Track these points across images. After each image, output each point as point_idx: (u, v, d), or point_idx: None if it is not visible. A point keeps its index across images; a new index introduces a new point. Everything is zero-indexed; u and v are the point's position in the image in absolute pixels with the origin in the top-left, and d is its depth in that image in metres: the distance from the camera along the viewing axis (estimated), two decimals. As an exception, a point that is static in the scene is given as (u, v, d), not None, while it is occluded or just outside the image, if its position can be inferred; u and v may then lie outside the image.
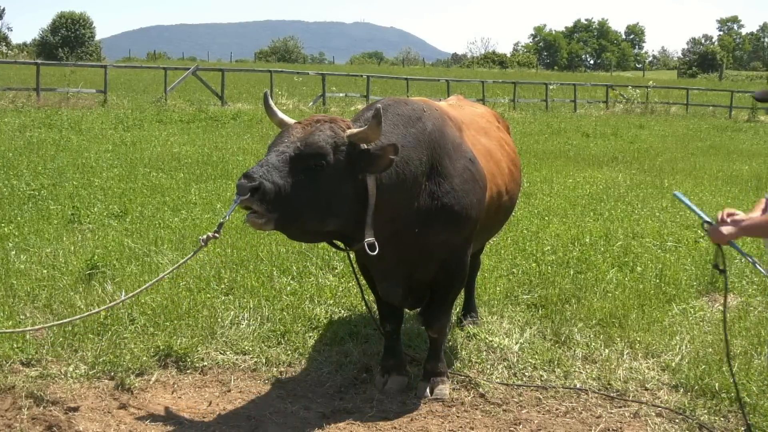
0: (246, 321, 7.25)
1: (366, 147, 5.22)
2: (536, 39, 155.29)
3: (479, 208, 5.87)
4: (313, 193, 5.08)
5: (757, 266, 5.05)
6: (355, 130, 5.26)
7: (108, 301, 7.34)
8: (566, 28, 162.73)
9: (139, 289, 6.08)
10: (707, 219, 4.94)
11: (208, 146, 19.14)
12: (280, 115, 5.66)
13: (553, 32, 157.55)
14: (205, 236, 5.26)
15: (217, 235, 5.22)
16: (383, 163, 5.18)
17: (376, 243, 5.31)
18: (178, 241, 9.79)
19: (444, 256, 5.86)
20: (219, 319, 7.23)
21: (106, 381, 6.11)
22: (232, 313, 7.39)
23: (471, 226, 5.85)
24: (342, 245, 5.71)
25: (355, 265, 6.38)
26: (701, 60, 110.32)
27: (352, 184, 5.21)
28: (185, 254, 9.00)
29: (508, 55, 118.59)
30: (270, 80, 33.98)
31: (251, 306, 7.58)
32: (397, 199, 5.44)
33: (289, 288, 8.21)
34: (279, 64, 75.95)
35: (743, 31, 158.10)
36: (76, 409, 5.65)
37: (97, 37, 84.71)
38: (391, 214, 5.44)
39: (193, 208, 11.85)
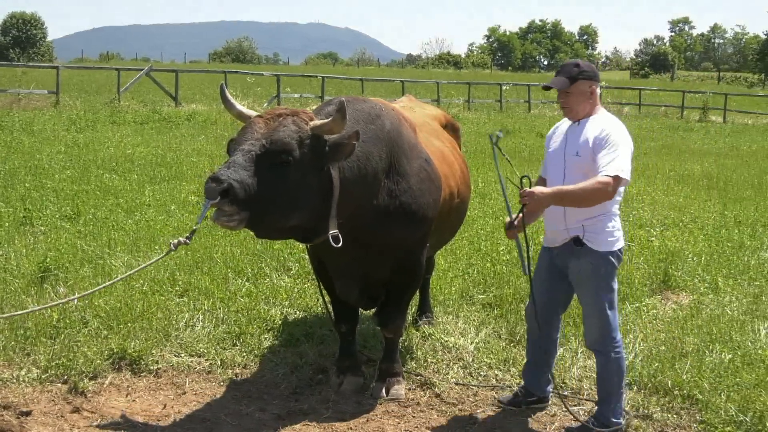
0: (201, 323, 7.21)
1: (328, 138, 5.21)
2: (491, 40, 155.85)
3: (435, 208, 5.92)
4: (282, 188, 5.05)
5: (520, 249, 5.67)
6: (318, 123, 5.23)
7: (61, 304, 7.25)
8: (520, 29, 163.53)
9: (95, 288, 6.03)
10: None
11: (162, 147, 18.96)
12: (238, 106, 5.61)
13: (508, 33, 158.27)
14: (176, 240, 5.20)
15: (188, 241, 5.18)
16: (347, 150, 5.19)
17: (339, 235, 5.30)
18: (131, 243, 9.71)
19: (400, 255, 5.90)
20: (173, 322, 7.18)
21: (59, 385, 6.05)
22: (186, 315, 7.34)
23: (427, 225, 5.90)
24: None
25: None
26: (653, 60, 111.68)
27: (317, 176, 5.20)
28: (139, 256, 8.96)
29: (463, 56, 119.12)
30: (224, 81, 33.51)
31: (206, 308, 7.54)
32: (359, 193, 5.46)
33: (244, 289, 8.18)
34: (233, 65, 75.53)
35: (694, 32, 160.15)
36: (28, 414, 5.58)
37: (49, 38, 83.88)
38: (353, 209, 5.45)
39: (147, 210, 11.75)
